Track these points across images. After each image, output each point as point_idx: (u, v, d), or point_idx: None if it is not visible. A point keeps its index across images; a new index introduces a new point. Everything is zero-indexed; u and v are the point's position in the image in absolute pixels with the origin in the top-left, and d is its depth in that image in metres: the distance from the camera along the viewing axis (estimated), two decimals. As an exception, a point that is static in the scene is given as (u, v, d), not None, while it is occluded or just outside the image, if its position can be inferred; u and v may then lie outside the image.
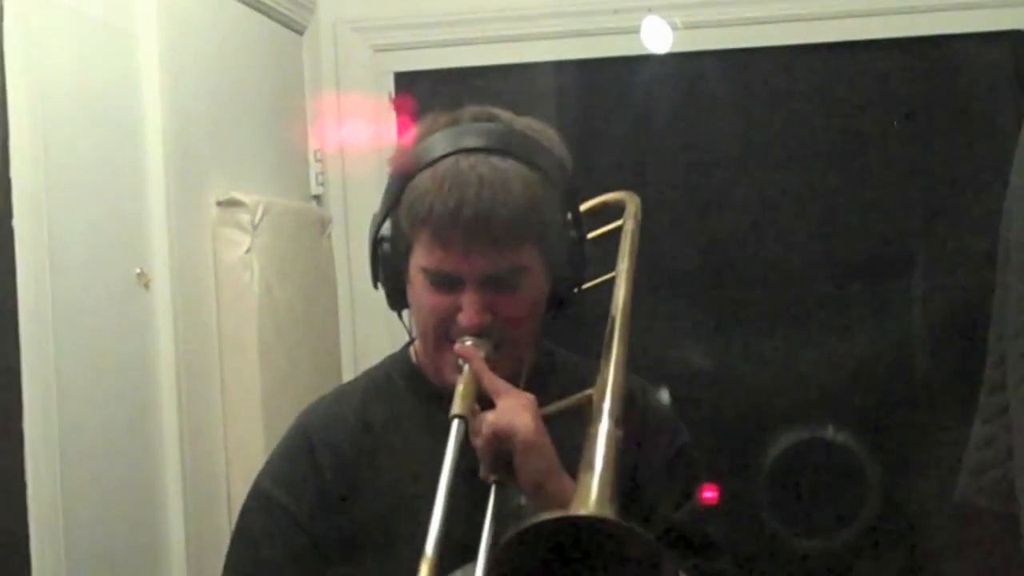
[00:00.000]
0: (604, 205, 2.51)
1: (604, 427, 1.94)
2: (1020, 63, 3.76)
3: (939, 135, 4.05)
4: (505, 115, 2.19)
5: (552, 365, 2.26)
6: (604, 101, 4.11)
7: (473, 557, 1.93)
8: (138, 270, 2.94)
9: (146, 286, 2.96)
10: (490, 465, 2.00)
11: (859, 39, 3.99)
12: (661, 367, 3.77)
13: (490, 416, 2.00)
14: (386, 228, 2.18)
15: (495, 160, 2.07)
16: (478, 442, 2.00)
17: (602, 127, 4.03)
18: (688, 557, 2.14)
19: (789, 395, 4.05)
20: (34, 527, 2.50)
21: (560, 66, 4.11)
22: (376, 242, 2.20)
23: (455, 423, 1.98)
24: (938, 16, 3.95)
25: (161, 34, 3.04)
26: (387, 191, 2.18)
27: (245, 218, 3.32)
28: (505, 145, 2.11)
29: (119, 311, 2.88)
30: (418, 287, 2.14)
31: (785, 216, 4.11)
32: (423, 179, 2.08)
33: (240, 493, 3.15)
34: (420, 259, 2.11)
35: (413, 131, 2.20)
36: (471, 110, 2.18)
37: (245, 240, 3.32)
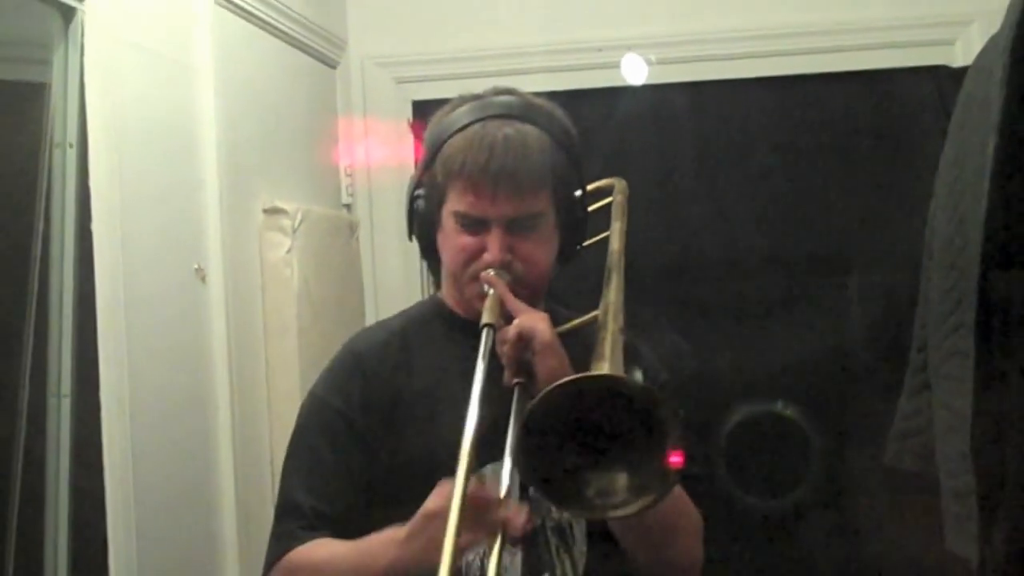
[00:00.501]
0: (598, 189, 2.54)
1: (611, 330, 1.99)
2: (943, 92, 3.76)
3: (874, 154, 4.05)
4: (522, 92, 2.26)
5: (554, 318, 2.23)
6: (589, 125, 4.09)
7: (499, 455, 1.97)
8: (196, 266, 2.95)
9: (203, 280, 2.98)
10: (514, 370, 2.05)
11: (805, 72, 4.00)
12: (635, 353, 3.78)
13: (515, 323, 2.05)
14: (420, 188, 2.22)
15: (516, 124, 2.14)
16: (504, 348, 2.05)
17: (587, 146, 4.03)
18: None
19: (744, 375, 4.06)
20: (109, 480, 2.52)
21: (552, 96, 4.09)
22: (412, 200, 2.24)
23: (485, 331, 2.03)
24: (874, 53, 3.97)
25: (216, 67, 3.06)
26: (423, 156, 2.23)
27: (286, 223, 3.33)
28: (524, 112, 2.18)
29: (180, 301, 2.90)
30: (450, 230, 2.18)
31: (741, 222, 4.12)
32: (456, 140, 2.14)
33: (281, 453, 3.19)
34: (453, 205, 2.15)
35: (445, 106, 2.24)
36: (492, 88, 2.24)
37: (286, 242, 3.33)
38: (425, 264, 2.39)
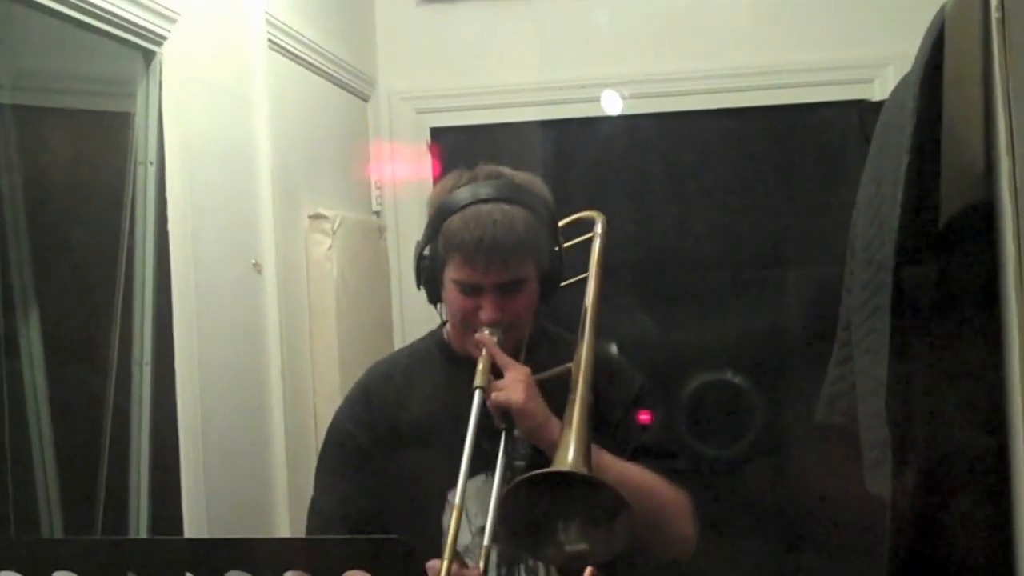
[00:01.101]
0: (579, 219, 2.53)
1: (579, 394, 2.02)
2: (864, 121, 3.76)
3: (807, 171, 4.05)
4: (507, 172, 2.23)
5: (541, 337, 2.30)
6: (574, 148, 4.12)
7: (484, 468, 2.06)
8: (254, 261, 2.95)
9: (259, 272, 2.97)
10: (499, 418, 2.07)
11: (751, 105, 4.00)
12: (612, 331, 3.78)
13: (495, 393, 2.06)
14: (426, 250, 2.22)
15: (504, 206, 2.13)
16: (490, 404, 2.06)
17: (572, 165, 4.05)
18: (654, 461, 2.19)
19: (701, 349, 4.05)
20: (182, 432, 2.54)
21: (544, 123, 4.13)
22: (420, 259, 2.24)
23: (476, 392, 2.04)
24: (808, 89, 3.97)
25: (270, 100, 3.06)
26: (428, 226, 2.22)
27: (327, 226, 3.33)
28: (509, 195, 2.16)
29: (240, 289, 2.90)
30: (451, 293, 2.18)
31: (698, 226, 4.12)
32: (455, 220, 2.13)
33: (322, 411, 3.22)
34: (453, 273, 2.16)
35: (445, 181, 2.24)
36: (484, 169, 2.22)
37: (327, 241, 3.33)
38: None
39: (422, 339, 2.42)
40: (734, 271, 4.12)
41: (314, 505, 2.29)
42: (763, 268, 4.10)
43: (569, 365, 2.12)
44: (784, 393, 4.00)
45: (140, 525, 2.49)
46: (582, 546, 1.88)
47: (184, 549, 1.23)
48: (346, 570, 1.14)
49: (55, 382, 2.37)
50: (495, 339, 2.13)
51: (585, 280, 2.34)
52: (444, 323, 2.35)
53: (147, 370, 2.52)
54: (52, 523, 2.35)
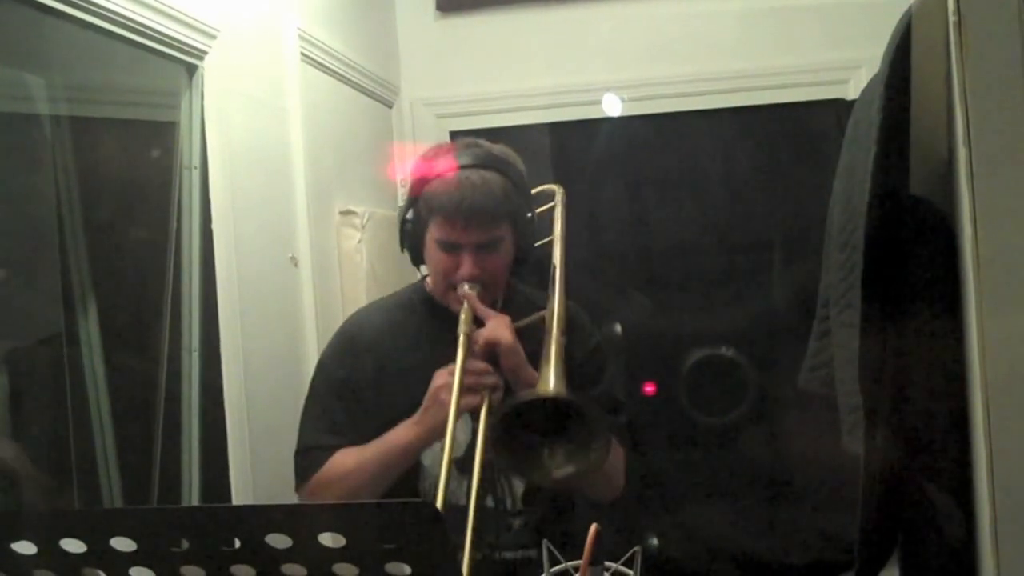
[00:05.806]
0: (542, 191, 2.52)
1: (555, 335, 2.05)
2: (840, 118, 3.75)
3: (789, 164, 4.05)
4: (484, 143, 2.25)
5: (513, 294, 2.31)
6: (578, 146, 4.12)
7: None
8: (290, 255, 2.96)
9: (296, 265, 2.98)
10: (485, 359, 2.10)
11: (738, 105, 4.00)
12: (618, 314, 3.80)
13: (484, 332, 2.10)
14: (409, 214, 2.24)
15: (481, 172, 2.15)
16: (476, 348, 2.09)
17: (577, 163, 4.04)
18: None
19: (698, 326, 4.05)
20: (228, 413, 2.55)
21: (551, 125, 4.12)
22: (403, 223, 2.26)
23: (461, 337, 2.07)
24: (789, 90, 3.97)
25: (303, 108, 3.06)
26: (410, 191, 2.24)
27: (357, 222, 3.34)
28: (486, 162, 2.18)
29: (279, 280, 2.91)
30: (433, 252, 2.20)
31: (693, 216, 4.11)
32: (437, 184, 2.16)
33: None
34: (435, 233, 2.18)
35: (426, 152, 2.26)
36: (463, 140, 2.26)
37: (357, 235, 3.33)
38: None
39: (404, 290, 2.44)
40: (726, 256, 4.12)
41: (306, 444, 2.28)
42: (752, 253, 4.09)
43: (543, 313, 2.15)
44: (773, 365, 4.00)
45: (192, 495, 2.51)
46: (567, 467, 1.89)
47: (231, 515, 1.24)
48: (375, 532, 1.15)
49: (112, 369, 2.38)
50: (475, 293, 2.15)
51: (551, 243, 2.37)
52: (424, 276, 2.36)
53: (195, 356, 2.53)
54: (112, 494, 2.36)
